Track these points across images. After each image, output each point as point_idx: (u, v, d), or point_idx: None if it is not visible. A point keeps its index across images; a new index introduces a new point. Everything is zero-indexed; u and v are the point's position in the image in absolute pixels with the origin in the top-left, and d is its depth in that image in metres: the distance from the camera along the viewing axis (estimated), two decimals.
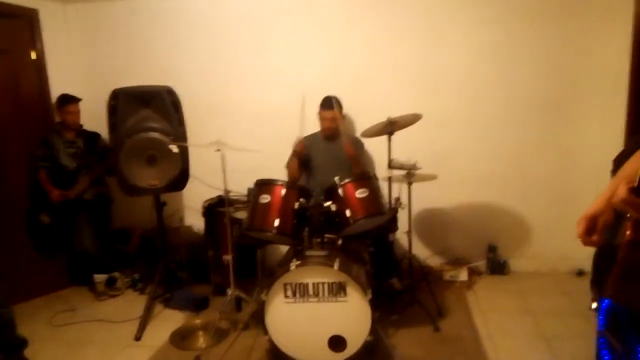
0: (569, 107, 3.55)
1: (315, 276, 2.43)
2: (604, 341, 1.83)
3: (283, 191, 2.63)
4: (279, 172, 3.46)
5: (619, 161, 2.36)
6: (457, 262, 3.76)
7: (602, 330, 2.46)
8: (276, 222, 2.58)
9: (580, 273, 3.61)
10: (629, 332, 2.23)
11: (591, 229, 1.20)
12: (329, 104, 3.35)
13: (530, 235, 3.78)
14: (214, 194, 3.61)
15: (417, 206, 3.61)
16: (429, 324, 2.94)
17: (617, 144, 3.20)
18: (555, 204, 3.65)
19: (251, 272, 3.32)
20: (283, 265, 2.62)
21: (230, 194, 2.99)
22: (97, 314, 3.38)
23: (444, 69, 3.62)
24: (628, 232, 1.18)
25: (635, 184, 1.02)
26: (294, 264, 2.45)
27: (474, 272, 3.72)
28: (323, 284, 2.43)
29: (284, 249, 3.45)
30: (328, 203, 2.66)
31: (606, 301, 2.48)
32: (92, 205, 3.74)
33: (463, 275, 3.62)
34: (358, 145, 3.52)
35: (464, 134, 3.68)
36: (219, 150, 2.76)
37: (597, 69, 3.46)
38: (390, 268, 3.29)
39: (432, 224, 3.84)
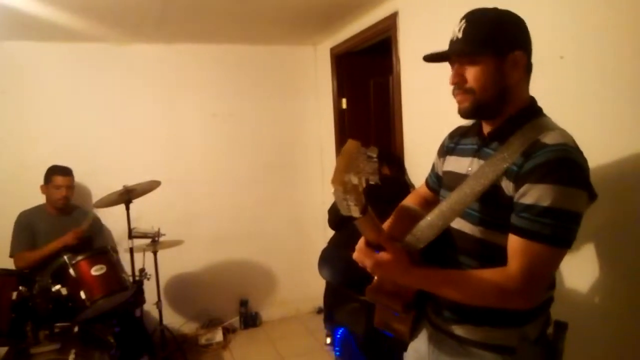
0: (297, 168, 4.10)
1: None
2: None
3: None
4: None
5: (332, 211, 2.81)
6: (211, 323, 3.76)
7: (339, 357, 2.81)
8: None
9: (319, 311, 4.06)
10: (359, 355, 2.62)
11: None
12: (66, 170, 2.97)
13: (276, 284, 4.09)
14: None
15: (166, 274, 3.52)
16: None
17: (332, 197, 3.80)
18: (293, 253, 4.07)
19: None
20: None
21: None
22: None
23: (184, 135, 3.71)
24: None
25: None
26: None
27: (228, 331, 3.78)
28: None
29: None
30: (57, 287, 2.34)
31: (340, 330, 2.84)
32: None
33: (218, 336, 3.63)
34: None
35: (205, 198, 3.79)
36: None
37: (313, 136, 4.14)
38: (141, 345, 3.06)
39: (183, 290, 3.76)
